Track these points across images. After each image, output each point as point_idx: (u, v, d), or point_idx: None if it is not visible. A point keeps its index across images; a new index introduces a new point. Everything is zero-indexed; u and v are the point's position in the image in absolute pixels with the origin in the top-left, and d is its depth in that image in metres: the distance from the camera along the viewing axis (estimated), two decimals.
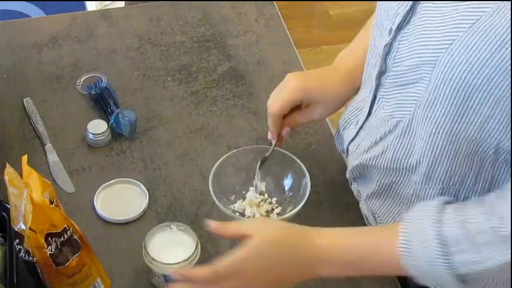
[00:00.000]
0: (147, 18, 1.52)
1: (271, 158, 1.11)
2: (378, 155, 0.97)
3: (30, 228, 0.89)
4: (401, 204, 0.99)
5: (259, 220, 1.05)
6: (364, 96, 1.03)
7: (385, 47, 0.91)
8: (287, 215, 1.07)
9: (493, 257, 0.79)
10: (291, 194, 1.12)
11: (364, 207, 1.09)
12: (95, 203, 1.14)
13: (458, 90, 0.80)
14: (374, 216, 1.06)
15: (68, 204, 1.14)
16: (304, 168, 1.10)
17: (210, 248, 1.09)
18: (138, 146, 1.24)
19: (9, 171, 0.92)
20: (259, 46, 1.46)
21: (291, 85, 1.06)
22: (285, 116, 1.08)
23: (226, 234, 0.92)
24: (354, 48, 1.12)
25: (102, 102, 1.29)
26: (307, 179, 1.09)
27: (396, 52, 0.89)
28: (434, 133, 0.86)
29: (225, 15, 1.53)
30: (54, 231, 0.91)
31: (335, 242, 0.89)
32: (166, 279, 1.00)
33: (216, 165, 1.10)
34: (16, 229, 0.93)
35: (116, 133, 1.25)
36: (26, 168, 0.93)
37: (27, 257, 0.94)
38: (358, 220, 1.13)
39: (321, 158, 1.23)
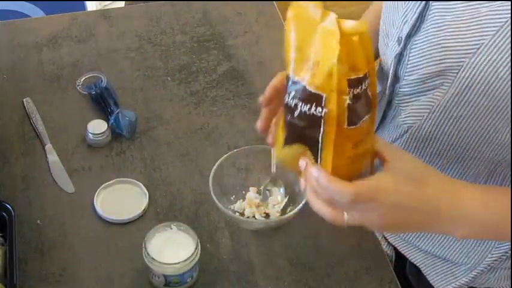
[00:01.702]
0: (147, 18, 1.52)
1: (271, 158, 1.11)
2: None
3: (337, 61, 0.67)
4: None
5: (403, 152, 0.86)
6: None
7: (395, 57, 0.89)
8: (287, 215, 1.07)
9: None
10: (291, 194, 1.12)
11: None
12: (95, 203, 1.14)
13: (483, 94, 0.78)
14: None
15: (68, 204, 1.14)
16: None
17: (210, 248, 1.09)
18: (138, 146, 1.24)
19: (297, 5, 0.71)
20: (259, 46, 1.46)
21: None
22: None
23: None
24: None
25: (102, 102, 1.29)
26: None
27: (408, 61, 0.87)
28: (448, 138, 0.84)
29: (225, 15, 1.53)
30: (354, 77, 0.69)
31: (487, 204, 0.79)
32: (166, 279, 1.00)
33: (216, 165, 1.10)
34: (296, 79, 0.71)
35: (116, 133, 1.25)
36: None
37: (309, 108, 0.70)
38: None
39: None
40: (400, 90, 0.92)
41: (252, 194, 1.13)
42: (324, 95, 0.68)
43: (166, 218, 1.12)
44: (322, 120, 0.70)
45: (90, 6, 2.18)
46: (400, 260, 1.11)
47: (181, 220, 1.11)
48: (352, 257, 1.08)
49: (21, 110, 1.30)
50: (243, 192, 1.14)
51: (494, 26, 0.75)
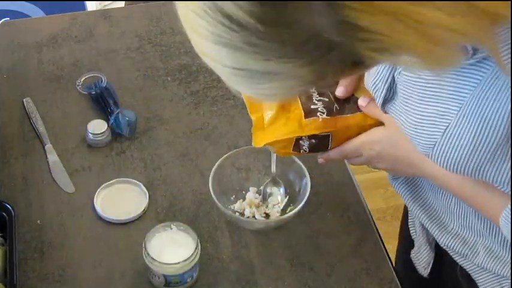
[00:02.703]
0: (147, 18, 1.52)
1: (271, 158, 1.11)
2: None
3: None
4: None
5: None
6: None
7: (382, 107, 0.91)
8: (287, 215, 1.07)
9: None
10: (291, 194, 1.12)
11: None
12: (95, 203, 1.14)
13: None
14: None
15: (68, 204, 1.14)
16: (304, 168, 1.10)
17: (210, 248, 1.09)
18: (138, 146, 1.24)
19: None
20: None
21: None
22: None
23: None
24: None
25: (102, 102, 1.29)
26: (307, 179, 1.09)
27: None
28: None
29: None
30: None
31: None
32: (166, 279, 1.00)
33: (216, 165, 1.10)
34: None
35: (116, 133, 1.25)
36: None
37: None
38: (358, 220, 1.13)
39: None
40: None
41: (252, 194, 1.13)
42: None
43: (166, 218, 1.12)
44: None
45: (90, 6, 2.18)
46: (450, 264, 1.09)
47: (181, 220, 1.11)
48: (352, 257, 1.08)
49: (21, 110, 1.30)
50: (243, 192, 1.14)
51: (455, 106, 0.75)
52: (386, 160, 0.95)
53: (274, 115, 0.97)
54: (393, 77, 0.84)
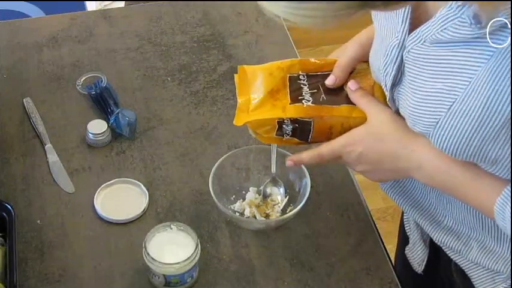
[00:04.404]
0: (147, 18, 1.52)
1: (271, 158, 1.12)
2: None
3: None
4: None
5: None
6: None
7: (389, 101, 0.90)
8: (287, 215, 1.07)
9: None
10: (291, 194, 1.12)
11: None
12: (95, 203, 1.14)
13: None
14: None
15: (68, 204, 1.15)
16: (304, 168, 1.10)
17: (210, 248, 1.09)
18: (138, 146, 1.24)
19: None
20: (259, 46, 1.46)
21: (349, 45, 1.02)
22: None
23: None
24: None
25: (102, 102, 1.29)
26: (307, 179, 1.09)
27: (398, 107, 0.88)
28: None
29: (225, 15, 1.53)
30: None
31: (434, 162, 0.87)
32: (166, 279, 1.00)
33: (216, 165, 1.10)
34: None
35: (116, 133, 1.25)
36: None
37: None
38: (358, 220, 1.13)
39: None
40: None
41: (252, 194, 1.13)
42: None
43: (166, 218, 1.12)
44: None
45: (90, 6, 2.18)
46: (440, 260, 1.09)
47: (181, 220, 1.11)
48: (352, 257, 1.08)
49: (21, 110, 1.30)
50: (243, 192, 1.14)
51: (463, 84, 0.75)
52: (370, 159, 0.92)
53: (260, 100, 0.97)
54: (402, 57, 0.84)
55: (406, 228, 1.12)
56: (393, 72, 0.85)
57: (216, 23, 1.51)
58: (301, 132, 0.96)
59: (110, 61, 1.41)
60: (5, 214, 1.04)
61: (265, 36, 1.49)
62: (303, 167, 1.10)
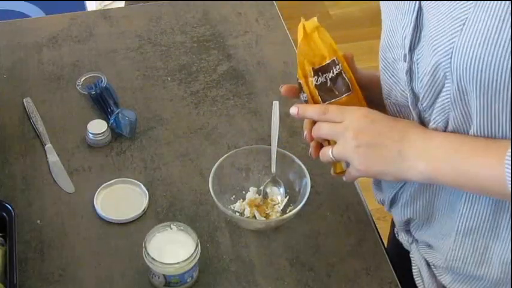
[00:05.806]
0: (147, 18, 1.52)
1: (271, 158, 1.12)
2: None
3: (299, 55, 0.93)
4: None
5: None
6: None
7: (406, 75, 0.88)
8: (287, 215, 1.07)
9: None
10: (291, 194, 1.12)
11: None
12: (95, 203, 1.14)
13: (480, 72, 0.77)
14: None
15: (68, 204, 1.15)
16: (304, 168, 1.10)
17: (210, 248, 1.09)
18: (138, 146, 1.24)
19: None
20: (259, 46, 1.46)
21: None
22: None
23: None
24: None
25: (102, 102, 1.29)
26: (307, 179, 1.09)
27: (418, 74, 0.86)
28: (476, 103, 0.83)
29: (225, 15, 1.53)
30: (318, 66, 0.93)
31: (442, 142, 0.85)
32: (166, 279, 1.00)
33: (216, 165, 1.10)
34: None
35: (116, 133, 1.25)
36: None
37: (302, 95, 0.96)
38: (358, 220, 1.13)
39: None
40: (424, 106, 0.89)
41: (252, 194, 1.13)
42: (301, 81, 0.94)
43: (166, 218, 1.12)
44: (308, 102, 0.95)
45: (90, 6, 2.18)
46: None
47: (181, 220, 1.11)
48: (352, 257, 1.08)
49: (21, 110, 1.30)
50: (243, 192, 1.14)
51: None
52: (371, 129, 0.89)
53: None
54: (420, 6, 0.84)
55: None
56: (410, 30, 0.85)
57: (216, 23, 1.51)
58: (336, 88, 0.94)
59: (109, 61, 1.41)
60: (5, 214, 1.04)
61: (265, 36, 1.49)
62: (303, 166, 1.10)
